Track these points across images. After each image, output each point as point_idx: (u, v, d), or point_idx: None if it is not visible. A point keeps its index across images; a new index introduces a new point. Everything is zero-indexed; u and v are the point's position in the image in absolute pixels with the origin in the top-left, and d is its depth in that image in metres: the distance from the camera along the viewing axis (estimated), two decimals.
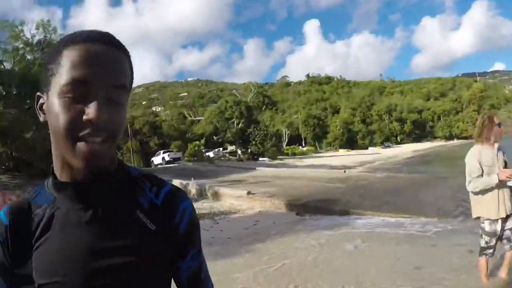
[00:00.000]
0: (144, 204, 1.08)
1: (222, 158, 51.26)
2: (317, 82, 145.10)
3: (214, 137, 59.10)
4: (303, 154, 70.29)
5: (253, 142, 51.74)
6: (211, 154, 50.60)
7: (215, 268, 7.02)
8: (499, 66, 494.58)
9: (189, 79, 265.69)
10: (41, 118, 1.02)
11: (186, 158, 44.03)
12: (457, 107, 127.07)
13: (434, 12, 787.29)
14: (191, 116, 70.23)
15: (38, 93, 1.03)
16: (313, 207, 12.22)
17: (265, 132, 53.22)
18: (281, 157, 54.35)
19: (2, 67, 29.63)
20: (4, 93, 23.77)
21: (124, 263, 1.00)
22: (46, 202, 1.05)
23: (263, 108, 64.33)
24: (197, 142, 44.63)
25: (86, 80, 0.91)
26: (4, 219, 1.04)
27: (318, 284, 5.63)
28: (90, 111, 0.90)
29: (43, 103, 1.01)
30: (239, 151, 53.84)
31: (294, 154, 65.64)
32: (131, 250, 1.02)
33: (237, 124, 53.33)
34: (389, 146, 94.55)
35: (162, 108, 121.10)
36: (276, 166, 36.31)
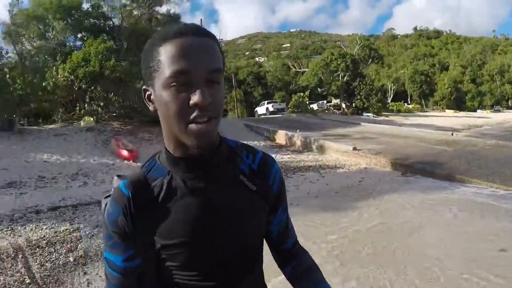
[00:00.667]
0: (244, 169, 1.31)
1: (326, 111, 50.47)
2: (425, 36, 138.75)
3: (318, 89, 58.41)
4: (408, 111, 67.76)
5: (358, 96, 50.66)
6: (314, 106, 49.76)
7: (324, 219, 7.41)
8: None
9: (292, 30, 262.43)
10: (151, 108, 1.18)
11: (289, 109, 43.74)
12: None
13: None
14: (295, 68, 69.75)
15: (144, 87, 1.19)
16: (419, 169, 12.08)
17: (371, 86, 51.83)
18: (385, 113, 52.87)
19: (111, 23, 31.22)
20: (115, 47, 25.01)
21: (237, 219, 1.24)
22: (161, 175, 1.24)
23: (369, 62, 62.52)
24: (301, 94, 44.25)
25: (187, 70, 1.05)
26: (126, 191, 1.21)
27: (405, 259, 5.46)
28: (195, 96, 1.05)
29: (150, 94, 1.16)
30: (343, 105, 52.75)
31: (399, 111, 63.35)
32: (241, 208, 1.25)
33: (342, 77, 52.06)
34: (499, 110, 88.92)
35: (265, 58, 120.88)
36: (380, 122, 35.54)
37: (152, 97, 1.16)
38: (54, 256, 5.62)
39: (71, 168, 12.79)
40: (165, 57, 1.07)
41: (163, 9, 33.91)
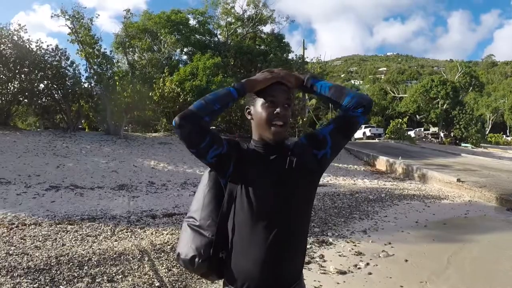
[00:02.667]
0: (299, 149, 2.02)
1: (424, 139, 49.82)
2: None
3: (417, 116, 57.55)
4: (507, 144, 64.55)
5: (457, 126, 49.16)
6: (412, 133, 48.94)
7: (431, 250, 7.26)
8: None
9: (388, 54, 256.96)
10: (249, 117, 2.02)
11: (386, 134, 43.52)
12: None
13: None
14: (393, 93, 69.07)
15: (247, 106, 2.04)
16: None
17: (471, 116, 50.12)
18: (484, 144, 51.01)
19: (217, 39, 32.60)
20: (222, 63, 26.00)
21: (291, 179, 1.93)
22: (251, 148, 2.03)
23: (469, 90, 60.61)
24: (400, 120, 43.71)
25: (275, 100, 1.93)
26: (225, 144, 1.95)
27: None
28: (278, 109, 1.90)
29: (250, 110, 2.01)
30: (441, 134, 51.66)
31: (497, 143, 60.67)
32: (294, 170, 1.94)
33: (442, 105, 51.11)
34: None
35: (361, 81, 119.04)
36: (479, 154, 34.18)
37: (251, 111, 2.00)
38: None
39: (179, 177, 13.57)
40: (265, 92, 1.95)
41: (267, 28, 34.76)
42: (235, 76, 25.12)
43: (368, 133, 48.75)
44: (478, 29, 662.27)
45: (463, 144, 47.08)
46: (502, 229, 9.31)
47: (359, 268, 6.02)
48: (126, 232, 7.35)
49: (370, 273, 5.83)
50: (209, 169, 2.06)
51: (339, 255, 6.66)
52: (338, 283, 5.41)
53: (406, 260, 6.47)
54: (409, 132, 47.84)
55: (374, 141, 41.21)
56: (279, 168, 1.92)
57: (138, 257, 5.98)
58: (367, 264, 6.22)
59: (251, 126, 2.04)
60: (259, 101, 1.94)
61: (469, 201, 12.95)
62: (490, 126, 70.46)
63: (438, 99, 51.39)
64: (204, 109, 1.82)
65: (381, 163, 21.15)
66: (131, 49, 28.54)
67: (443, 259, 6.63)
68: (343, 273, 5.77)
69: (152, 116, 24.20)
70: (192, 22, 33.01)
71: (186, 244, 1.97)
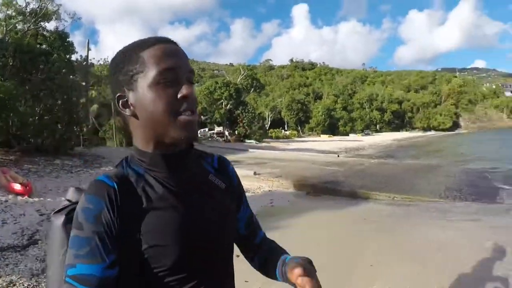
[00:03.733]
0: (210, 170, 1.38)
1: (210, 138, 51.00)
2: (300, 67, 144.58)
3: (201, 117, 58.87)
4: (286, 137, 71.05)
5: (241, 124, 51.81)
6: None
7: None
8: (479, 63, 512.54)
9: None
10: (128, 113, 1.19)
11: None
12: (435, 100, 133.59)
13: (422, 6, 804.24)
14: None
15: (119, 94, 1.20)
16: (322, 188, 12.84)
17: (253, 114, 53.47)
18: (266, 139, 54.69)
19: None
20: (1, 63, 22.09)
21: (216, 216, 1.26)
22: (139, 174, 1.22)
23: (251, 91, 64.19)
24: None
25: (174, 67, 1.15)
26: (110, 182, 1.15)
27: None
28: (183, 90, 1.14)
29: (126, 100, 1.18)
30: (226, 132, 53.70)
31: (277, 138, 66.12)
32: (218, 206, 1.29)
33: (226, 105, 53.46)
34: (368, 134, 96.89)
35: None
36: (264, 148, 36.70)
37: (130, 101, 1.19)
38: None
39: None
40: (151, 58, 1.15)
41: (50, 25, 31.51)
42: (15, 79, 22.00)
43: None
44: (259, 36, 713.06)
45: (247, 141, 49.53)
46: (311, 210, 9.92)
47: None
48: None
49: None
50: None
51: None
52: None
53: (237, 256, 6.23)
54: None
55: None
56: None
57: None
58: None
59: (131, 128, 1.25)
60: (145, 80, 1.16)
61: (269, 190, 13.40)
62: (269, 123, 75.72)
63: (222, 100, 53.26)
64: None
65: None
66: None
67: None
68: None
69: None
70: None
71: None
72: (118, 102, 1.20)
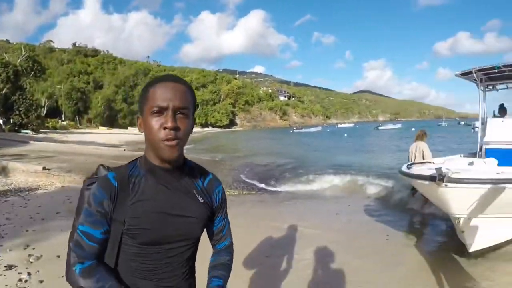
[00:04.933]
0: (197, 186, 1.75)
1: None
2: (83, 53, 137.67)
3: None
4: (64, 128, 68.54)
5: (17, 112, 48.27)
6: None
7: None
8: (259, 68, 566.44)
9: None
10: (141, 130, 1.62)
11: None
12: (215, 98, 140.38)
13: (216, 9, 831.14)
14: None
15: (138, 115, 1.64)
16: None
17: (31, 101, 50.28)
18: (43, 130, 52.11)
19: None
20: None
21: (186, 219, 1.66)
22: (139, 175, 1.64)
23: (31, 75, 59.43)
24: None
25: (163, 103, 1.53)
26: (114, 182, 1.60)
27: None
28: (166, 122, 1.52)
29: (141, 122, 1.61)
30: (0, 121, 48.78)
31: (55, 128, 63.49)
32: (190, 212, 1.68)
33: (1, 90, 48.95)
34: None
35: None
36: (43, 140, 35.23)
37: (141, 123, 1.62)
38: None
39: None
40: (151, 94, 1.57)
41: None
42: None
43: None
44: (44, 13, 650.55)
45: (23, 131, 46.59)
46: None
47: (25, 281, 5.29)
48: None
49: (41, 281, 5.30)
50: None
51: None
52: None
53: None
54: None
55: None
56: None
57: None
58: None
59: (144, 140, 1.66)
60: (147, 110, 1.59)
61: (62, 187, 13.06)
62: (45, 112, 71.84)
63: None
64: None
65: None
66: None
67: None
68: None
69: None
70: None
71: None
72: (137, 122, 1.66)
